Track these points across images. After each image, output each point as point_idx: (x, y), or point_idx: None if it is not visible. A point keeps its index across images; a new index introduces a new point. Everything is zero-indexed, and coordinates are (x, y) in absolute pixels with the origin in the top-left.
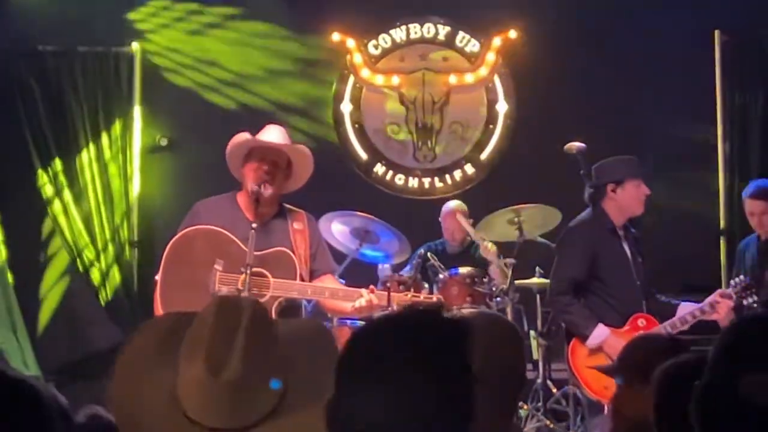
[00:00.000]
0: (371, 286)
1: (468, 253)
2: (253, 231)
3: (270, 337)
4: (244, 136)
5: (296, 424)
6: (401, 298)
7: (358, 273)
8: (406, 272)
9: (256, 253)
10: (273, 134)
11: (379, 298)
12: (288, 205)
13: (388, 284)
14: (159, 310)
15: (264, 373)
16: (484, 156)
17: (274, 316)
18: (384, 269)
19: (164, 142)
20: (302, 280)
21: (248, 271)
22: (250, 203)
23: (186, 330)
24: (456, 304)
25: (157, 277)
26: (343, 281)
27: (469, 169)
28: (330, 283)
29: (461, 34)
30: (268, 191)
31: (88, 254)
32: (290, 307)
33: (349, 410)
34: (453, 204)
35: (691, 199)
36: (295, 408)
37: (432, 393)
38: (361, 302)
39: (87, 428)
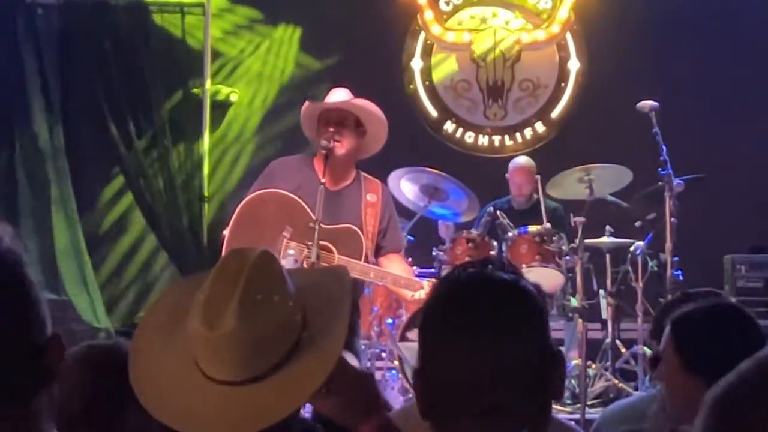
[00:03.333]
0: (432, 280)
1: (535, 209)
2: (321, 187)
3: (276, 286)
4: (307, 105)
5: (310, 372)
6: None
7: (426, 230)
8: (474, 231)
9: (326, 226)
10: (336, 96)
11: None
12: (365, 174)
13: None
14: None
15: (268, 324)
16: (554, 114)
17: None
18: (446, 228)
19: (234, 98)
20: (367, 257)
21: (317, 227)
22: (323, 165)
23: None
24: (525, 263)
25: (225, 233)
26: (412, 239)
27: (540, 127)
28: (396, 262)
29: None
30: (340, 150)
31: (159, 210)
32: (354, 283)
33: (432, 373)
34: (521, 159)
35: None
36: (308, 356)
37: (513, 365)
38: (421, 294)
39: None
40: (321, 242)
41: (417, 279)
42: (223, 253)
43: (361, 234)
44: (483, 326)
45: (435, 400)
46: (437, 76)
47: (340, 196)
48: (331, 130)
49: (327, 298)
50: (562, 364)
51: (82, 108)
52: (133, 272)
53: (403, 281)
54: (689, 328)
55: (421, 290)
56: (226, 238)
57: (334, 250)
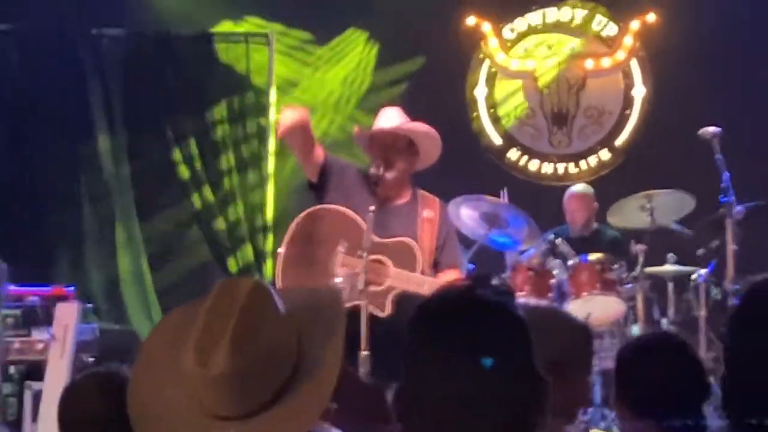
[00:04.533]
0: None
1: (596, 237)
2: (371, 214)
3: (268, 320)
4: (357, 130)
5: (307, 403)
6: None
7: (487, 258)
8: (529, 255)
9: (381, 240)
10: (386, 118)
11: None
12: (422, 191)
13: (516, 268)
14: (279, 281)
15: (259, 361)
16: (619, 141)
17: (389, 305)
18: (512, 255)
19: None
20: (423, 272)
21: (365, 255)
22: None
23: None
24: (586, 291)
25: (280, 250)
26: (473, 266)
27: (605, 154)
28: (454, 278)
29: (598, 17)
30: (389, 174)
31: (223, 237)
32: (409, 298)
33: (416, 392)
34: (577, 187)
35: None
36: (305, 385)
37: (496, 384)
38: None
39: None
40: (376, 256)
41: None
42: (278, 271)
43: (415, 246)
44: (463, 346)
45: (414, 419)
46: (504, 113)
47: (395, 211)
48: (379, 153)
49: (320, 322)
50: (545, 392)
51: (146, 138)
52: (195, 294)
53: None
54: (627, 370)
55: None
56: (282, 254)
57: (388, 263)
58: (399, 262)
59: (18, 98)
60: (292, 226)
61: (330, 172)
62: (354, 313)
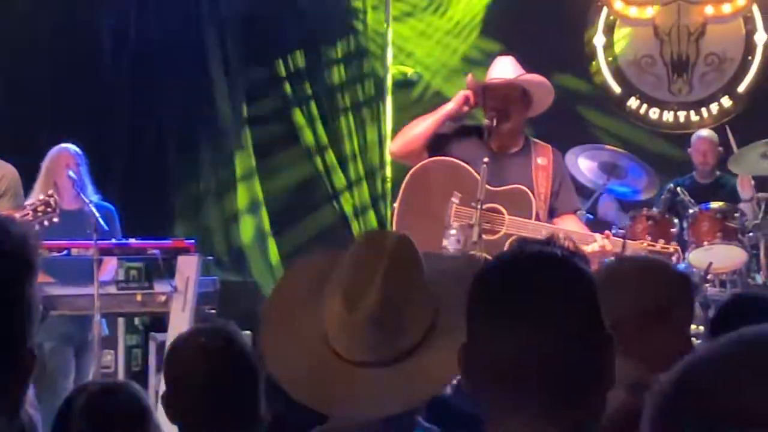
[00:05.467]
0: (606, 231)
1: (717, 186)
2: (485, 165)
3: (414, 273)
4: (470, 79)
5: (441, 359)
6: (637, 246)
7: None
8: (655, 208)
9: (494, 188)
10: (501, 67)
11: (613, 244)
12: (534, 139)
13: (635, 219)
14: None
15: (404, 309)
16: (741, 88)
17: None
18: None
19: (416, 77)
20: (539, 218)
21: (479, 207)
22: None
23: (335, 266)
24: (707, 240)
25: (395, 205)
26: (591, 217)
27: (726, 101)
28: (571, 223)
29: None
30: (504, 125)
31: (343, 191)
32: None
33: (481, 348)
34: (704, 131)
35: None
36: (441, 343)
37: (560, 342)
38: (594, 247)
39: None
40: (490, 204)
41: (589, 233)
42: (394, 224)
43: (530, 194)
44: (524, 302)
45: (478, 376)
46: (619, 48)
47: (509, 160)
48: (494, 104)
49: (459, 288)
50: (611, 348)
51: (264, 91)
52: (313, 244)
53: (575, 236)
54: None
55: (594, 243)
56: (396, 210)
57: (504, 211)
58: (514, 209)
59: (137, 50)
60: (407, 179)
61: (439, 144)
62: None
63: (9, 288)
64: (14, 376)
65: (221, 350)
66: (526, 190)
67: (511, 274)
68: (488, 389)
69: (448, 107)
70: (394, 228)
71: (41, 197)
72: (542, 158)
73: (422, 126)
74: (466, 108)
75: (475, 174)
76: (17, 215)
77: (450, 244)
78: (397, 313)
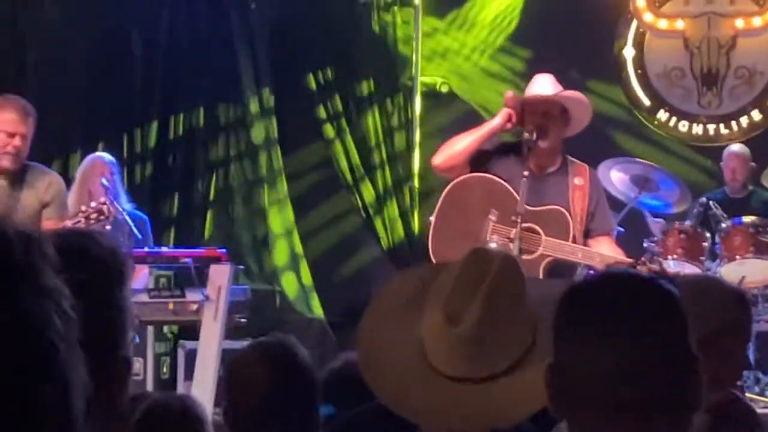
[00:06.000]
0: (642, 259)
1: (749, 200)
2: (524, 180)
3: (517, 292)
4: (510, 95)
5: (536, 381)
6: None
7: (637, 222)
8: (687, 222)
9: (531, 208)
10: (540, 85)
11: (649, 271)
12: (572, 158)
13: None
14: (430, 250)
15: (506, 327)
16: None
17: (542, 274)
18: (654, 222)
19: (445, 88)
20: (575, 239)
21: (519, 221)
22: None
23: (435, 281)
24: (739, 254)
25: (432, 218)
26: (622, 230)
27: (756, 115)
28: (605, 245)
29: None
30: (543, 143)
31: (370, 200)
32: (561, 266)
33: (569, 367)
34: (736, 146)
35: None
36: (537, 365)
37: (652, 362)
38: None
39: (340, 374)
40: (527, 224)
41: (626, 259)
42: (430, 238)
43: (568, 215)
44: (617, 320)
45: (566, 394)
46: (649, 64)
47: (546, 180)
48: (536, 120)
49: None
50: (697, 369)
51: (293, 99)
52: (344, 261)
53: (611, 260)
54: None
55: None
56: (432, 224)
57: (540, 231)
58: (551, 230)
59: (168, 60)
60: (444, 194)
61: (480, 159)
62: None
63: (103, 295)
64: (109, 383)
65: (283, 363)
66: (564, 210)
67: (600, 294)
68: (574, 408)
69: (494, 123)
70: (430, 243)
71: (93, 204)
72: (579, 178)
73: (466, 141)
74: (509, 125)
75: (513, 191)
76: (69, 222)
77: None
78: (497, 331)
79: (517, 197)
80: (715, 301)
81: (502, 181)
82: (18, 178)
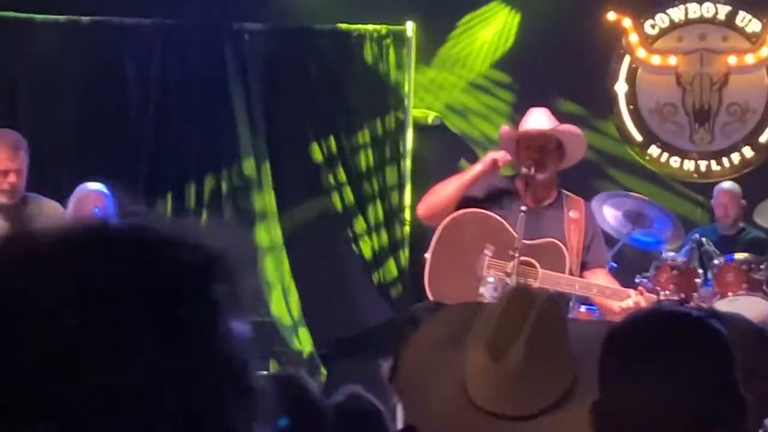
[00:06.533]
0: (640, 288)
1: (740, 237)
2: (522, 214)
3: (559, 331)
4: (506, 129)
5: (578, 420)
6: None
7: (629, 257)
8: (679, 258)
9: (527, 241)
10: (536, 118)
11: (647, 301)
12: (567, 192)
13: (660, 267)
14: (427, 288)
15: (549, 365)
16: (763, 138)
17: None
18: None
19: (437, 122)
20: (572, 272)
21: (517, 255)
22: (523, 187)
23: (476, 318)
24: (731, 291)
25: (427, 255)
26: (615, 265)
27: (748, 152)
28: (601, 277)
29: (742, 13)
30: (541, 176)
31: (361, 232)
32: (559, 299)
33: (615, 406)
34: (727, 184)
35: None
36: (579, 404)
37: (701, 403)
38: (629, 303)
39: (345, 407)
40: (523, 258)
41: (623, 288)
42: (426, 275)
43: (564, 248)
44: (665, 360)
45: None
46: (641, 100)
47: (541, 214)
48: (532, 154)
49: (594, 352)
50: (745, 410)
51: (285, 133)
52: (334, 293)
53: (609, 291)
54: None
55: (628, 299)
56: (428, 261)
57: (537, 265)
58: (547, 263)
59: (161, 93)
60: (438, 231)
61: (468, 203)
62: None
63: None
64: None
65: (294, 397)
66: (560, 244)
67: (648, 332)
68: None
69: (475, 170)
70: (426, 279)
71: None
72: (574, 212)
73: (449, 189)
74: (493, 171)
75: (507, 226)
76: None
77: (487, 291)
78: (541, 368)
79: (512, 231)
80: (746, 342)
81: (497, 216)
82: (19, 210)
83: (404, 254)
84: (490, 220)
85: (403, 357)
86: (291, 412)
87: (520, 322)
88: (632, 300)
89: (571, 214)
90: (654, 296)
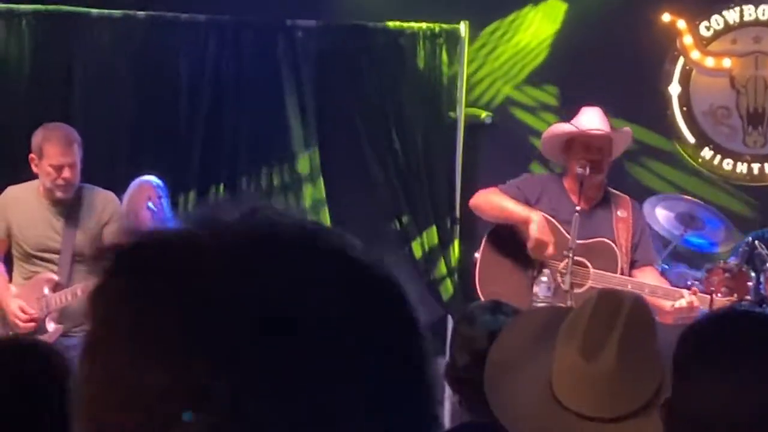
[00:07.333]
0: (693, 288)
1: None
2: (577, 215)
3: (649, 332)
4: (563, 127)
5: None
6: (723, 304)
7: (682, 259)
8: (732, 260)
9: (579, 241)
10: (594, 120)
11: (700, 301)
12: (613, 190)
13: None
14: (477, 287)
15: (640, 366)
16: None
17: None
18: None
19: (489, 120)
20: (623, 271)
21: (571, 255)
22: (575, 187)
23: (563, 320)
24: None
25: (477, 255)
26: (667, 267)
27: None
28: (650, 275)
29: None
30: (598, 177)
31: (411, 230)
32: None
33: (689, 403)
34: None
35: None
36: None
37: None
38: (682, 303)
39: None
40: (576, 258)
41: (676, 288)
42: (477, 274)
43: (615, 247)
44: (739, 360)
45: (681, 430)
46: (695, 102)
47: (591, 213)
48: (592, 157)
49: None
50: None
51: (337, 129)
52: None
53: (661, 291)
54: None
55: (681, 299)
56: (478, 260)
57: (588, 264)
58: (598, 262)
59: (214, 88)
60: (489, 231)
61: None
62: None
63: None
64: None
65: None
66: (611, 243)
67: (723, 330)
68: None
69: (519, 218)
70: (477, 279)
71: None
72: (622, 210)
73: (492, 212)
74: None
75: (558, 225)
76: None
77: (541, 291)
78: (632, 370)
79: (563, 231)
80: None
81: (547, 215)
82: (74, 203)
83: (454, 252)
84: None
85: (491, 353)
86: None
87: (611, 324)
88: (686, 300)
89: (619, 213)
90: (707, 296)
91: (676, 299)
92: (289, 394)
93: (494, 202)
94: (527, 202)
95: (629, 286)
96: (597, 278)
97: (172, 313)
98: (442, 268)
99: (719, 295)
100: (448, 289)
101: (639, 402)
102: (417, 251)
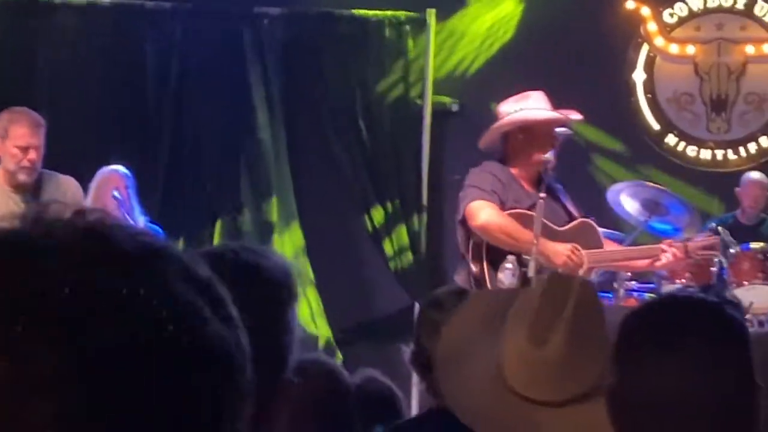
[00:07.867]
0: (668, 240)
1: (760, 227)
2: (541, 201)
3: (596, 316)
4: (535, 114)
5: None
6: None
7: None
8: None
9: (560, 228)
10: (539, 102)
11: (680, 250)
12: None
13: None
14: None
15: (588, 351)
16: None
17: None
18: None
19: (455, 108)
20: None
21: (536, 242)
22: (525, 174)
23: (512, 304)
24: (747, 280)
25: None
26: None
27: (765, 141)
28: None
29: (760, 3)
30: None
31: (378, 218)
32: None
33: (627, 391)
34: (757, 174)
35: None
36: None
37: (713, 384)
38: (668, 257)
39: (362, 390)
40: (570, 245)
41: (655, 246)
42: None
43: (594, 223)
44: (679, 342)
45: (626, 421)
46: (659, 88)
47: (554, 196)
48: (552, 142)
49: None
50: (758, 397)
51: (303, 117)
52: (350, 278)
53: (644, 251)
54: None
55: (665, 254)
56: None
57: (578, 247)
58: (586, 242)
59: (180, 76)
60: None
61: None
62: None
63: (274, 315)
64: (275, 403)
65: (324, 384)
66: (590, 221)
67: (662, 316)
68: (631, 429)
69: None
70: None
71: None
72: (558, 186)
73: (508, 241)
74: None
75: (544, 220)
76: None
77: (505, 277)
78: (581, 354)
79: (549, 224)
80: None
81: (525, 211)
82: (36, 188)
83: (422, 241)
84: (523, 216)
85: (441, 340)
86: (319, 398)
87: (560, 308)
88: (669, 253)
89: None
90: (681, 244)
91: (660, 256)
92: None
93: (509, 230)
94: (503, 204)
95: (619, 255)
96: (591, 257)
97: None
98: (409, 257)
99: (683, 281)
100: (414, 277)
101: (588, 385)
102: (384, 240)
